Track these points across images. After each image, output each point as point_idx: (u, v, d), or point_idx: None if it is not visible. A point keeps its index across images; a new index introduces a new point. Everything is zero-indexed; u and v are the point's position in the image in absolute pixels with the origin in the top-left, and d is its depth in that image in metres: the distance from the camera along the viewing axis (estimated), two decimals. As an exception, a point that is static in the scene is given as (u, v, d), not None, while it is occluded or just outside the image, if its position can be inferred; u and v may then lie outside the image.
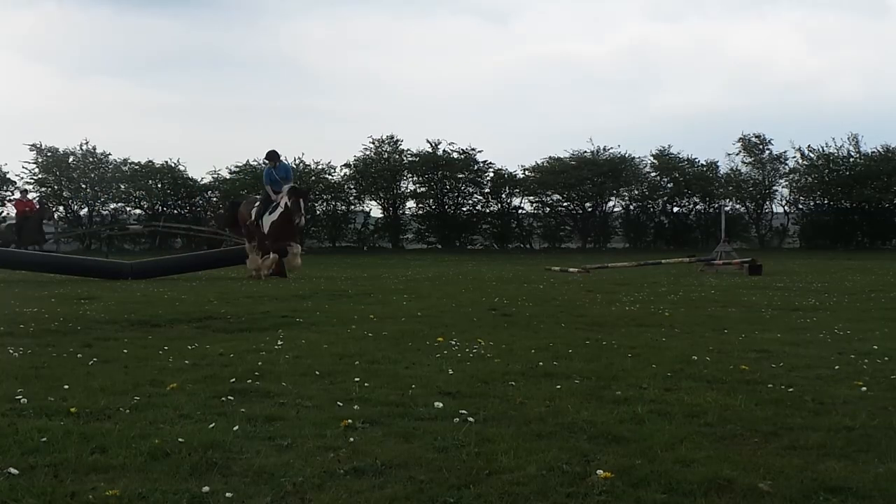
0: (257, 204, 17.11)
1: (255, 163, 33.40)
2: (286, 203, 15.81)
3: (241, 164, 33.43)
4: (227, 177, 33.42)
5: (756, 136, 33.95)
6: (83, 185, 33.32)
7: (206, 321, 8.31)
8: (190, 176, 33.73)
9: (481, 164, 33.54)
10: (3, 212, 32.89)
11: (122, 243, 31.54)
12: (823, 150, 33.03)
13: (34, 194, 31.45)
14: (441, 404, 4.31)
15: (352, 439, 3.70)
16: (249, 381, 5.03)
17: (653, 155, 33.83)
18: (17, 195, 30.55)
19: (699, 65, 65.87)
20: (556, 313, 8.84)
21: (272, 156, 17.23)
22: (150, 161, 33.50)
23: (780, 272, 16.79)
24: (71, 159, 33.22)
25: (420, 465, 3.34)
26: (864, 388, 4.75)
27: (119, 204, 34.21)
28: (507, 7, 69.09)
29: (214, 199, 34.06)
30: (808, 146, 33.37)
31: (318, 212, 33.98)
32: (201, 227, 30.71)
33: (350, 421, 3.97)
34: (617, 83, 65.39)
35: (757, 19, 65.83)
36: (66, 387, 4.81)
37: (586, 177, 32.87)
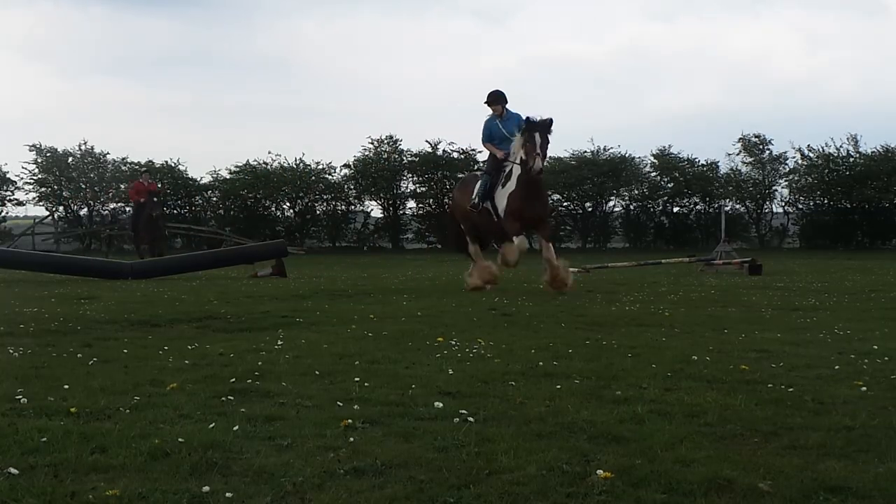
0: (479, 182, 11.94)
1: (255, 162, 33.44)
2: (523, 143, 10.84)
3: (241, 164, 33.43)
4: (227, 177, 33.42)
5: (756, 136, 33.95)
6: (83, 185, 33.33)
7: (206, 321, 8.31)
8: (190, 176, 33.75)
9: (481, 165, 33.50)
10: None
11: (122, 243, 31.55)
12: (823, 150, 33.03)
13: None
14: (441, 404, 4.31)
15: (352, 439, 3.69)
16: (249, 381, 5.03)
17: (653, 155, 33.84)
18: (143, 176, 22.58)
19: (699, 65, 65.99)
20: (556, 313, 8.83)
21: (496, 98, 11.68)
22: (149, 161, 33.53)
23: (780, 272, 16.78)
24: (70, 159, 33.25)
25: (420, 465, 3.34)
26: (864, 388, 4.74)
27: (119, 204, 34.22)
28: (505, 7, 69.26)
29: (214, 199, 34.06)
30: (808, 146, 33.40)
31: (318, 212, 34.00)
32: (201, 226, 30.73)
33: (350, 421, 3.97)
34: (617, 83, 65.57)
35: (755, 19, 66.03)
36: (66, 387, 4.80)
37: (586, 177, 32.85)
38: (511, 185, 11.22)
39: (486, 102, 11.85)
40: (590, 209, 34.25)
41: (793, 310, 9.24)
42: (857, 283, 13.67)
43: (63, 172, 33.00)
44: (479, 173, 12.50)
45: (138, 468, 3.29)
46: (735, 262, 17.02)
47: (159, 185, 24.03)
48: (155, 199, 20.97)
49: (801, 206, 34.17)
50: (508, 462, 3.35)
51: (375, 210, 34.58)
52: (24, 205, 33.78)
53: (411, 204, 34.44)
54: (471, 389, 4.76)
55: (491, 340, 6.67)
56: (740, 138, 34.02)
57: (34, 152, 32.98)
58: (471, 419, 4.03)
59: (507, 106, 11.79)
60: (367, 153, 33.53)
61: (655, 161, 33.70)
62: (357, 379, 5.04)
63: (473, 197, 11.82)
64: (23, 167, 33.69)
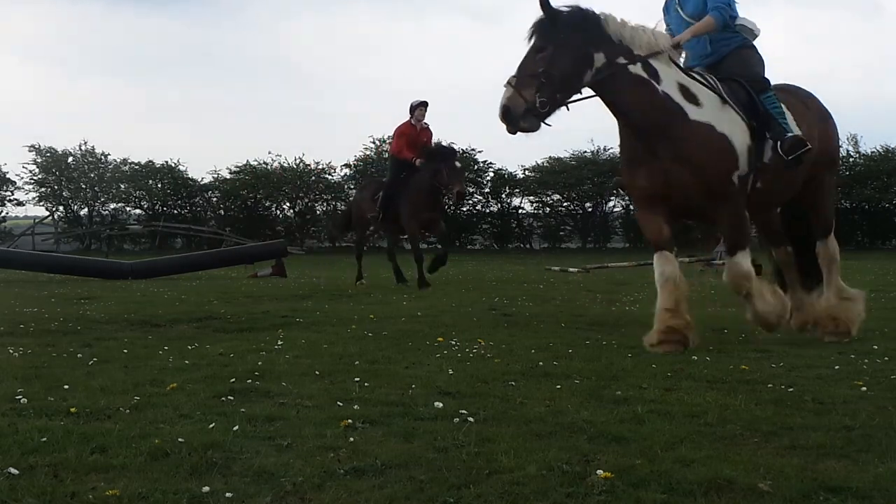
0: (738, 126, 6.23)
1: (256, 162, 33.43)
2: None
3: (241, 164, 33.43)
4: (227, 177, 33.43)
5: (756, 136, 33.94)
6: (83, 185, 33.33)
7: (206, 321, 8.31)
8: (190, 176, 33.75)
9: (481, 164, 33.53)
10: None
11: (122, 243, 31.55)
12: (823, 150, 33.02)
13: None
14: (441, 404, 4.31)
15: (352, 439, 3.69)
16: (249, 381, 5.02)
17: (653, 155, 33.81)
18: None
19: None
20: (556, 313, 8.83)
21: None
22: (150, 161, 33.55)
23: (780, 272, 16.74)
24: (70, 159, 33.26)
25: (420, 465, 3.33)
26: (864, 388, 4.74)
27: (119, 204, 34.24)
28: (504, 6, 69.39)
29: (215, 199, 34.06)
30: (808, 146, 33.37)
31: (318, 212, 33.99)
32: (201, 227, 30.72)
33: (350, 421, 3.97)
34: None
35: (753, 19, 66.11)
36: (66, 387, 4.80)
37: (586, 177, 32.84)
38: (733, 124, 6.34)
39: None
40: (590, 209, 34.25)
41: (793, 310, 9.22)
42: (856, 283, 13.64)
43: (63, 172, 33.02)
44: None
45: (138, 468, 3.29)
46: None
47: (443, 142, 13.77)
48: (458, 165, 12.30)
49: (801, 206, 34.15)
50: (508, 462, 3.34)
51: (375, 210, 34.54)
52: (24, 205, 33.85)
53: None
54: (471, 389, 4.76)
55: (491, 340, 6.67)
56: (740, 138, 34.02)
57: (33, 152, 33.04)
58: (471, 419, 4.03)
59: None
60: (367, 153, 33.54)
61: (655, 161, 33.68)
62: (357, 379, 5.04)
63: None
64: (23, 167, 33.72)
